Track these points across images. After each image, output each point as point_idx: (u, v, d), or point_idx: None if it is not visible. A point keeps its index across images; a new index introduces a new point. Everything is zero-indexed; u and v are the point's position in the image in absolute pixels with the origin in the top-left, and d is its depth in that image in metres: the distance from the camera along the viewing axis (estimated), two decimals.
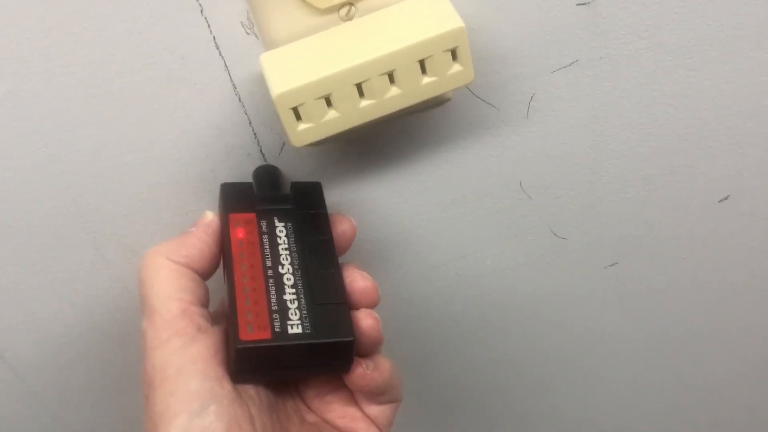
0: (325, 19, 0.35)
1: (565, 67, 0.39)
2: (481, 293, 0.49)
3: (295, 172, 0.41)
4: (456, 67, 0.34)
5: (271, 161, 0.40)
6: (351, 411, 0.37)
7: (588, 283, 0.49)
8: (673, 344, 0.54)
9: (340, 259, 0.37)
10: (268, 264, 0.35)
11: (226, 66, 0.36)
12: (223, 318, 0.35)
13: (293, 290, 0.34)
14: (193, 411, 0.30)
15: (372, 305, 0.35)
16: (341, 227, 0.38)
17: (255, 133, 0.39)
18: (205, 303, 0.34)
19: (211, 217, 0.36)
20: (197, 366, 0.31)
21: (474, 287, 0.48)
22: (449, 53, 0.34)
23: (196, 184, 0.40)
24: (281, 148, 0.40)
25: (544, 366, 0.54)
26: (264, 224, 0.36)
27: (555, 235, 0.47)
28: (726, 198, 0.46)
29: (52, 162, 0.38)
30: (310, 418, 0.37)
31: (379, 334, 0.35)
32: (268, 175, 0.40)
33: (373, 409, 0.37)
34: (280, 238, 0.36)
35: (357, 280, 0.35)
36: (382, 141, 0.41)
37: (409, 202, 0.43)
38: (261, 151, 0.40)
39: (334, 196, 0.42)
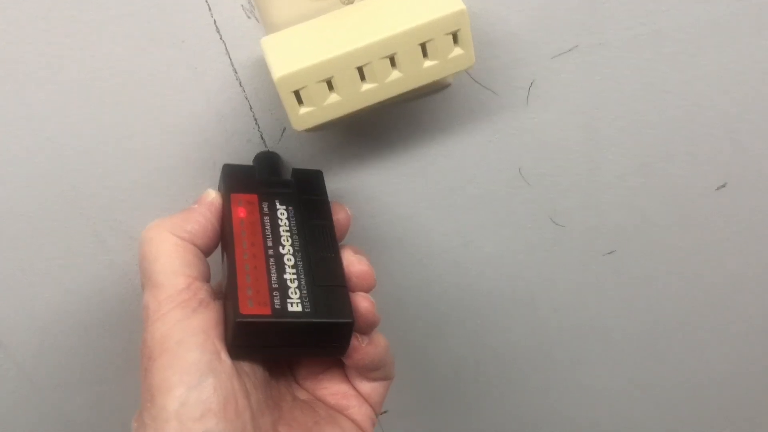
0: (326, 3, 0.35)
1: (565, 52, 0.39)
2: (479, 280, 0.49)
3: (295, 157, 0.41)
4: (457, 51, 0.34)
5: (272, 147, 0.40)
6: (343, 388, 0.37)
7: (586, 270, 0.49)
8: (670, 332, 0.54)
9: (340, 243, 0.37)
10: (269, 244, 0.35)
11: (226, 50, 0.36)
12: (222, 296, 0.35)
13: (293, 270, 0.34)
14: (191, 383, 0.30)
15: (368, 289, 0.36)
16: (336, 216, 0.38)
17: (255, 119, 0.39)
18: (207, 278, 0.34)
19: (213, 195, 0.36)
20: (197, 338, 0.31)
21: (473, 274, 0.48)
22: (450, 36, 0.34)
23: (195, 169, 0.40)
24: (282, 134, 0.40)
25: (541, 353, 0.55)
26: (266, 206, 0.36)
27: (554, 222, 0.47)
28: (723, 186, 0.46)
29: (51, 148, 0.38)
30: (302, 395, 0.37)
31: (374, 316, 0.35)
32: (269, 161, 0.40)
33: (366, 386, 0.38)
34: (281, 220, 0.36)
35: (354, 264, 0.36)
36: (382, 127, 0.41)
37: (409, 189, 0.43)
38: (261, 136, 0.40)
39: (334, 183, 0.42)
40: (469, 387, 0.57)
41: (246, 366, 0.33)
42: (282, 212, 0.36)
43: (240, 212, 0.35)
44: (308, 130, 0.37)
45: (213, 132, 0.39)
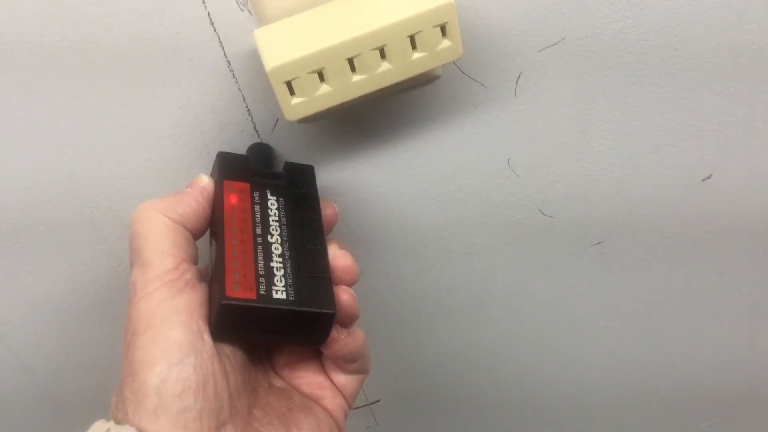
0: None
1: (551, 45, 0.40)
2: (470, 270, 0.50)
3: (287, 148, 0.42)
4: (445, 43, 0.35)
5: (265, 137, 0.41)
6: (319, 379, 0.38)
7: (574, 260, 0.50)
8: (658, 321, 0.55)
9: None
10: (258, 232, 0.35)
11: (220, 42, 0.37)
12: (208, 279, 0.36)
13: (280, 259, 0.35)
14: (172, 361, 0.31)
15: (351, 283, 0.37)
16: (324, 211, 0.39)
17: (249, 110, 0.40)
18: (195, 260, 0.35)
19: (206, 180, 0.37)
20: (181, 317, 0.32)
21: (463, 264, 0.49)
22: (438, 29, 0.34)
23: (190, 159, 0.41)
24: (274, 125, 0.40)
25: (531, 342, 0.55)
26: (257, 195, 0.37)
27: (542, 213, 0.47)
28: (709, 177, 0.47)
29: (47, 138, 0.39)
30: (279, 383, 0.38)
31: (355, 310, 0.36)
32: (263, 153, 0.41)
33: (341, 378, 0.38)
34: (272, 210, 0.37)
35: (339, 258, 0.37)
36: (373, 118, 0.42)
37: (400, 180, 0.44)
38: (255, 127, 0.40)
39: (326, 173, 0.43)
40: (461, 377, 0.57)
41: (227, 348, 0.34)
42: (272, 202, 0.37)
43: (232, 199, 0.36)
44: (300, 121, 0.38)
45: (207, 122, 0.40)
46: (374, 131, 0.42)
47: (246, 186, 0.37)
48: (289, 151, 0.42)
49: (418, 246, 0.48)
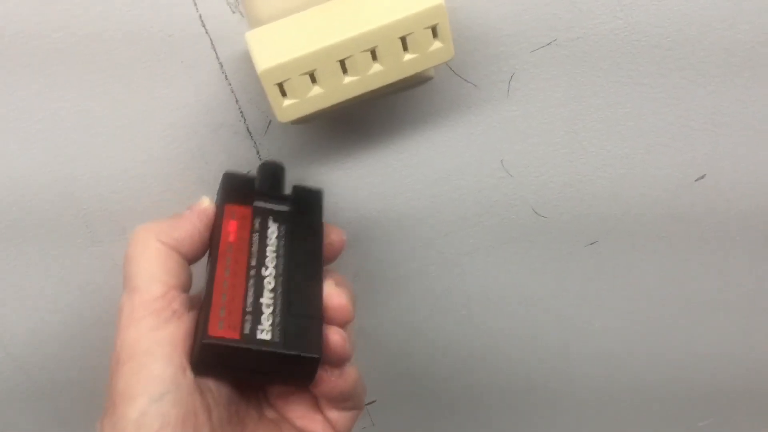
0: None
1: (543, 46, 0.40)
2: (464, 270, 0.50)
3: (280, 150, 0.42)
4: (436, 44, 0.35)
5: (257, 139, 0.41)
6: (311, 413, 0.37)
7: (569, 261, 0.50)
8: (652, 321, 0.55)
9: (327, 267, 0.38)
10: (253, 263, 0.35)
11: (212, 44, 0.37)
12: (200, 305, 0.35)
13: (271, 295, 0.34)
14: (153, 395, 0.30)
15: (343, 324, 0.36)
16: (330, 238, 0.38)
17: (241, 111, 0.40)
18: (186, 288, 0.35)
19: (207, 203, 0.36)
20: (164, 350, 0.31)
21: (458, 264, 0.49)
22: (429, 30, 0.35)
23: (183, 161, 0.41)
24: (267, 126, 0.41)
25: (526, 341, 0.55)
26: (258, 222, 0.36)
27: (536, 213, 0.48)
28: (702, 177, 0.47)
29: (41, 140, 0.39)
30: (270, 414, 0.37)
31: (345, 351, 0.35)
32: (272, 174, 0.40)
33: (334, 414, 0.37)
34: (270, 239, 0.36)
35: (333, 297, 0.35)
36: (366, 120, 0.42)
37: (393, 181, 0.44)
38: (248, 128, 0.40)
39: (319, 174, 0.43)
40: (456, 377, 0.58)
41: (211, 382, 0.33)
42: (273, 231, 0.36)
43: (231, 226, 0.35)
44: (293, 122, 0.38)
45: (200, 124, 0.40)
46: (367, 132, 0.42)
47: (248, 212, 0.36)
48: (282, 152, 0.42)
49: (413, 247, 0.48)
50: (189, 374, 0.32)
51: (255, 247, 0.35)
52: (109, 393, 0.32)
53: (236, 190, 0.37)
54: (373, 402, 0.58)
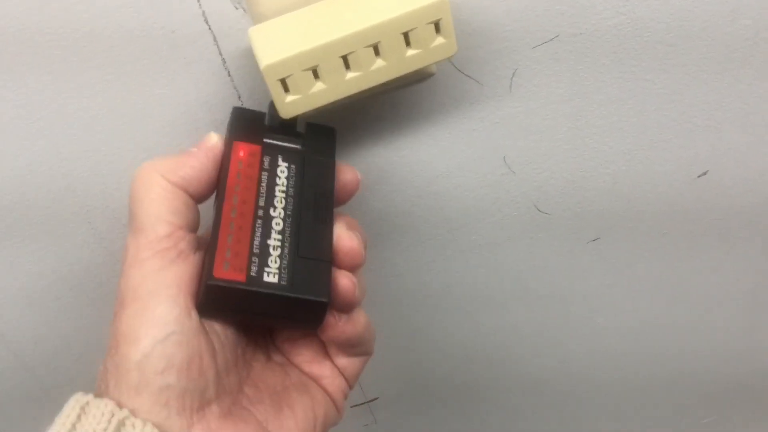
0: None
1: (546, 42, 0.40)
2: (467, 267, 0.50)
3: None
4: (439, 40, 0.35)
5: None
6: (319, 359, 0.37)
7: (571, 257, 0.50)
8: (654, 318, 0.55)
9: (339, 210, 0.37)
10: (261, 203, 0.34)
11: (215, 40, 0.37)
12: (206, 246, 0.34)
13: (279, 236, 0.33)
14: (156, 336, 0.30)
15: (354, 268, 0.35)
16: (344, 177, 0.37)
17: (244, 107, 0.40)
18: (193, 228, 0.34)
19: (215, 140, 0.35)
20: (169, 291, 0.31)
21: (460, 261, 0.49)
22: (432, 26, 0.35)
23: None
24: None
25: (528, 338, 0.55)
26: (267, 160, 0.35)
27: (538, 210, 0.48)
28: (705, 173, 0.47)
29: (43, 137, 0.39)
30: (277, 358, 0.37)
31: (354, 297, 0.34)
32: None
33: (342, 360, 0.37)
34: (280, 178, 0.35)
35: (344, 240, 0.34)
36: (367, 116, 0.42)
37: (395, 177, 0.44)
38: None
39: None
40: (459, 374, 0.58)
41: (216, 324, 0.33)
42: (282, 170, 0.35)
43: (239, 164, 0.34)
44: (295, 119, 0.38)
45: (203, 120, 0.40)
46: (369, 129, 0.42)
47: (257, 149, 0.35)
48: None
49: (415, 243, 0.48)
50: (194, 316, 0.31)
51: (264, 187, 0.34)
52: (113, 334, 0.31)
53: (246, 126, 0.35)
54: (376, 399, 0.58)
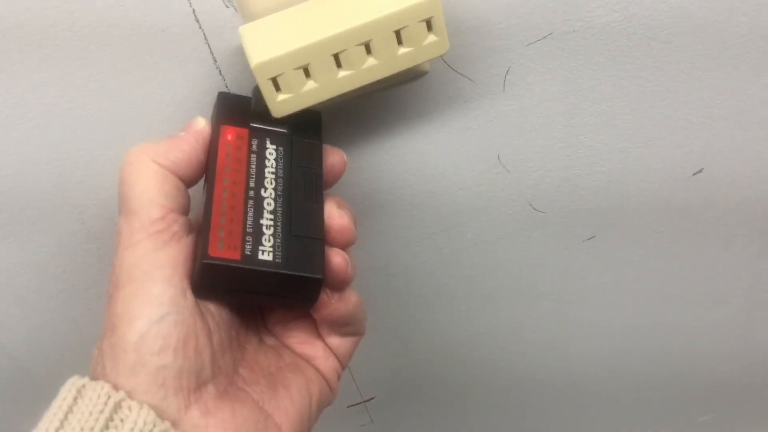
0: None
1: (539, 40, 0.40)
2: (461, 266, 0.50)
3: None
4: (431, 38, 0.35)
5: None
6: (311, 339, 0.37)
7: (566, 256, 0.50)
8: (651, 316, 0.55)
9: (328, 191, 0.37)
10: (251, 184, 0.34)
11: (206, 39, 0.37)
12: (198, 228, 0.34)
13: (271, 216, 0.33)
14: (152, 317, 0.30)
15: (346, 245, 0.35)
16: (331, 159, 0.37)
17: None
18: (185, 211, 0.34)
19: (203, 124, 0.35)
20: (164, 272, 0.31)
21: (455, 260, 0.49)
22: (424, 23, 0.34)
23: None
24: None
25: (525, 337, 0.55)
26: (255, 143, 0.35)
27: (533, 208, 0.47)
28: (700, 171, 0.47)
29: (35, 136, 0.39)
30: (269, 341, 0.37)
31: (346, 274, 0.34)
32: None
33: (335, 340, 0.37)
34: (269, 160, 0.35)
35: (335, 218, 0.35)
36: (360, 114, 0.42)
37: (389, 176, 0.44)
38: None
39: None
40: (455, 373, 0.57)
41: (211, 305, 0.33)
42: (271, 152, 0.35)
43: (227, 147, 0.34)
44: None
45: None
46: (362, 127, 0.42)
47: (244, 132, 0.35)
48: None
49: (409, 242, 0.48)
50: (189, 296, 0.31)
51: (253, 168, 0.34)
52: (108, 316, 0.31)
53: (232, 111, 0.36)
54: (372, 399, 0.58)
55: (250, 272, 0.32)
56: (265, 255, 0.32)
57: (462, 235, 0.48)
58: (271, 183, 0.34)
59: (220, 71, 0.38)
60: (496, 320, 0.54)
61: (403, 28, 0.34)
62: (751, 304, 0.55)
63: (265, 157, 0.35)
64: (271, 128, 0.36)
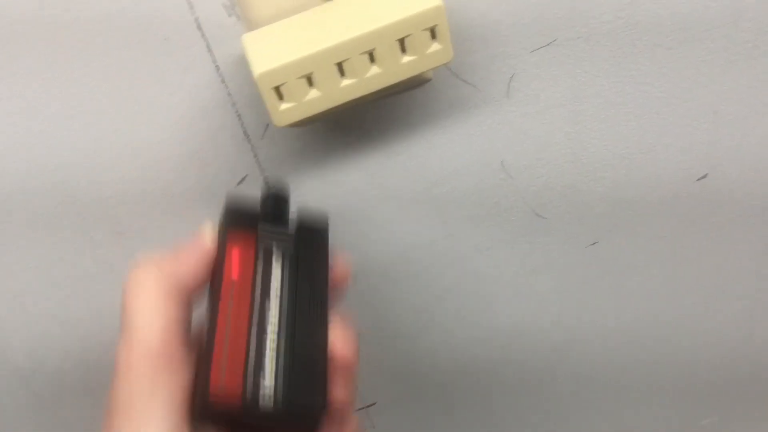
0: (306, 0, 0.36)
1: (543, 46, 0.40)
2: (465, 272, 0.49)
3: (278, 153, 0.41)
4: (435, 46, 0.35)
5: (255, 142, 0.41)
6: None
7: (569, 262, 0.50)
8: (652, 322, 0.55)
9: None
10: (256, 308, 0.33)
11: (208, 47, 0.37)
12: (199, 347, 0.33)
13: (275, 342, 0.32)
14: None
15: (350, 374, 0.34)
16: (335, 269, 0.36)
17: (238, 115, 0.39)
18: (187, 329, 0.33)
19: (208, 235, 0.34)
20: (161, 410, 0.30)
21: (458, 266, 0.49)
22: (428, 32, 0.34)
23: (180, 165, 0.40)
24: (265, 130, 0.40)
25: (527, 343, 0.55)
26: (261, 255, 0.34)
27: (536, 214, 0.47)
28: (704, 176, 0.47)
29: (38, 144, 0.39)
30: None
31: (347, 407, 0.33)
32: (276, 202, 0.37)
33: None
34: (275, 275, 0.34)
35: (337, 345, 0.33)
36: (364, 122, 0.41)
37: (393, 182, 0.44)
38: (245, 132, 0.40)
39: (318, 177, 0.43)
40: (456, 378, 0.57)
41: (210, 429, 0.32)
42: (276, 266, 0.34)
43: (233, 261, 0.33)
44: (291, 126, 0.38)
45: (197, 128, 0.39)
46: (366, 134, 0.42)
47: (251, 241, 0.34)
48: (280, 156, 0.41)
49: (412, 248, 0.48)
50: (186, 429, 0.30)
51: (258, 288, 0.33)
52: None
53: (239, 216, 0.35)
54: (374, 404, 0.58)
55: (251, 412, 0.31)
56: (267, 390, 0.31)
57: (465, 242, 0.48)
58: (276, 303, 0.33)
59: (223, 79, 0.38)
60: (498, 325, 0.54)
61: (407, 36, 0.34)
62: (754, 309, 0.55)
63: (271, 272, 0.34)
64: (278, 236, 0.35)
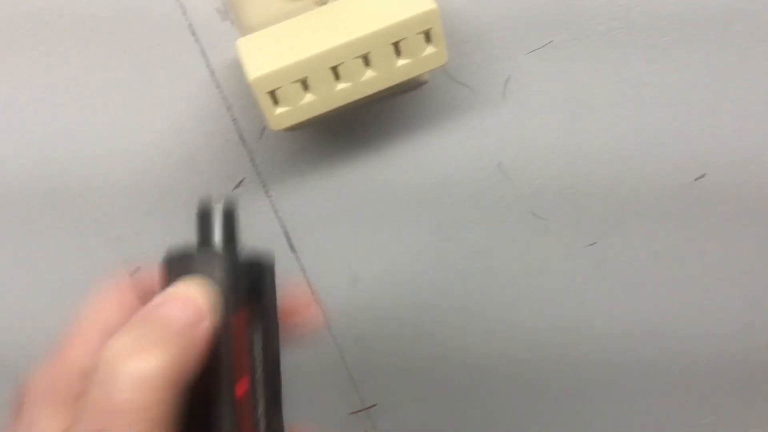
0: (300, 4, 0.36)
1: (539, 48, 0.40)
2: (464, 273, 0.49)
3: (275, 157, 0.41)
4: (429, 49, 0.35)
5: (251, 146, 0.40)
6: None
7: (568, 262, 0.50)
8: (651, 322, 0.55)
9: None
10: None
11: (202, 52, 0.36)
12: None
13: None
14: None
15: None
16: (296, 302, 0.32)
17: (234, 119, 0.39)
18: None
19: (207, 324, 0.27)
20: None
21: (457, 267, 0.49)
22: (422, 35, 0.34)
23: (175, 169, 0.40)
24: (261, 133, 0.40)
25: (527, 344, 0.55)
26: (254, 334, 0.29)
27: (535, 215, 0.47)
28: (702, 176, 0.47)
29: (33, 150, 0.39)
30: None
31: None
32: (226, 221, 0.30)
33: None
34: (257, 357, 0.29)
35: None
36: (360, 125, 0.41)
37: (389, 185, 0.44)
38: (241, 136, 0.40)
39: (315, 180, 0.43)
40: (457, 379, 0.57)
41: None
42: (258, 341, 0.29)
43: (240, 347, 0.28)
44: (286, 130, 0.38)
45: (192, 133, 0.39)
46: (363, 137, 0.42)
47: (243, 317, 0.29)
48: (275, 159, 0.41)
49: (409, 251, 0.48)
50: None
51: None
52: None
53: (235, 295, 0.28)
54: (374, 406, 0.57)
55: None
56: None
57: (462, 243, 0.48)
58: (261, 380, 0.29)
59: (217, 84, 0.38)
60: (497, 326, 0.54)
61: (402, 40, 0.34)
62: (752, 310, 0.55)
63: (255, 356, 0.29)
64: (254, 304, 0.29)
